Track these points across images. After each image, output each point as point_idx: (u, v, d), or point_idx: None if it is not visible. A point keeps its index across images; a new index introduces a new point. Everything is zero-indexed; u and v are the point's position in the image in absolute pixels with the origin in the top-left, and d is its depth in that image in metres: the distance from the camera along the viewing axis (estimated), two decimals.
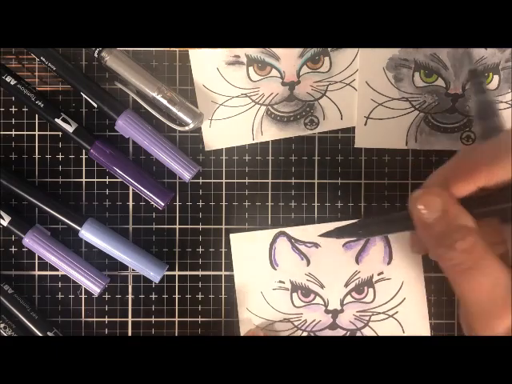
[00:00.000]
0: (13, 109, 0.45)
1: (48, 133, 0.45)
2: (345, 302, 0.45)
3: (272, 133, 0.45)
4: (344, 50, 0.45)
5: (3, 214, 0.43)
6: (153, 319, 0.45)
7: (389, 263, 0.45)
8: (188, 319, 0.45)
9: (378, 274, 0.45)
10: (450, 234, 0.33)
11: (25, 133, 0.45)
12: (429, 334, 0.45)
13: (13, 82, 0.43)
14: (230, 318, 0.45)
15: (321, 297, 0.45)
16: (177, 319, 0.45)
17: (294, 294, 0.45)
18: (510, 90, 0.45)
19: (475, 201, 0.34)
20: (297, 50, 0.45)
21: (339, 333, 0.45)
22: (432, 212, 0.34)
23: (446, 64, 0.44)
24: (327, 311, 0.45)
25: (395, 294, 0.45)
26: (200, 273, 0.45)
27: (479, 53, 0.44)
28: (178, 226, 0.45)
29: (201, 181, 0.45)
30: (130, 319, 0.45)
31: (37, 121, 0.45)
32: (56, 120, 0.43)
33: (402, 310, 0.45)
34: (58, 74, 0.43)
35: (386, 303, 0.45)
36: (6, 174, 0.43)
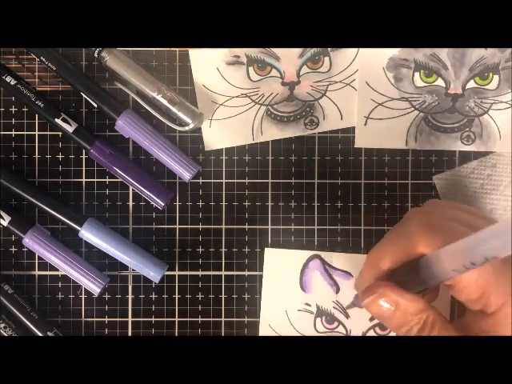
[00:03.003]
0: (13, 109, 0.45)
1: (48, 133, 0.45)
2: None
3: (272, 133, 0.45)
4: (344, 50, 0.45)
5: (3, 213, 0.43)
6: (153, 319, 0.45)
7: None
8: (188, 319, 0.45)
9: None
10: (407, 323, 0.36)
11: (25, 133, 0.45)
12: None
13: (13, 82, 0.43)
14: (230, 318, 0.45)
15: (344, 326, 0.44)
16: (177, 319, 0.45)
17: (318, 319, 0.45)
18: (509, 90, 0.45)
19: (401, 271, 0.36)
20: (297, 50, 0.44)
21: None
22: (386, 310, 0.36)
23: (446, 64, 0.44)
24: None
25: None
26: (200, 273, 0.45)
27: (479, 53, 0.44)
28: (177, 226, 0.45)
29: (201, 181, 0.45)
30: (129, 319, 0.45)
31: (37, 121, 0.45)
32: (56, 120, 0.43)
33: None
34: (57, 74, 0.43)
35: None
36: (5, 174, 0.43)
